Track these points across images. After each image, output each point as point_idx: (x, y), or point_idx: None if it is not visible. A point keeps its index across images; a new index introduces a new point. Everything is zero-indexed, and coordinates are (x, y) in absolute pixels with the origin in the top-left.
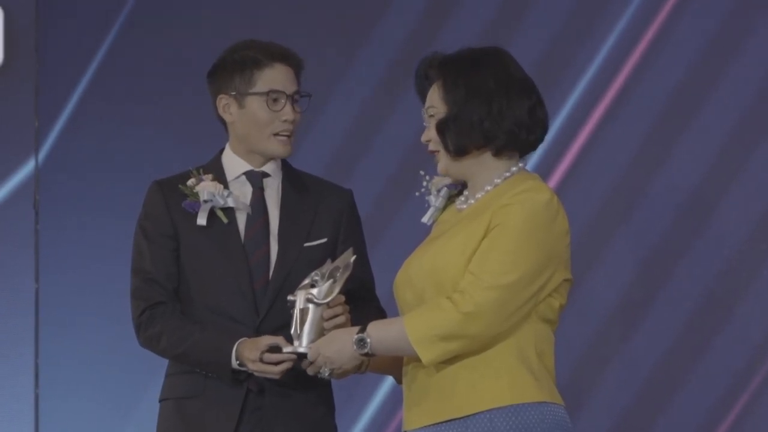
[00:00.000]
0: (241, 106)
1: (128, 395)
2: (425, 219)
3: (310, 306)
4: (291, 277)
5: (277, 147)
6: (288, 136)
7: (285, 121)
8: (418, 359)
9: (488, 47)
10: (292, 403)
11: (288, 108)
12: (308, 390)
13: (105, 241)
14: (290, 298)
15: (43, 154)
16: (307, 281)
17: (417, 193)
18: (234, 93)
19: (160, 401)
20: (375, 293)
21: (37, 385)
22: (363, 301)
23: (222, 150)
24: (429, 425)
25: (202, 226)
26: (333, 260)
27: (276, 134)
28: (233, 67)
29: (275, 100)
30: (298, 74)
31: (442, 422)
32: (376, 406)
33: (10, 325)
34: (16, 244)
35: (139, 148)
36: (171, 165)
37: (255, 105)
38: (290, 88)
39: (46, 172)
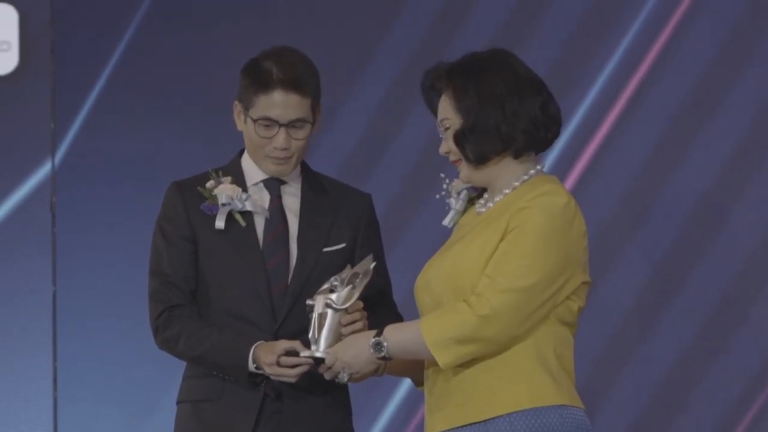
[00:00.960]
0: (245, 120)
1: (146, 398)
2: (446, 222)
3: (329, 311)
4: (310, 282)
5: (271, 167)
6: (283, 159)
7: (276, 148)
8: (437, 363)
9: (491, 50)
10: (309, 408)
11: (280, 137)
12: (326, 394)
13: (122, 243)
14: (309, 302)
15: (59, 156)
16: (326, 286)
17: (437, 196)
18: (242, 105)
19: (177, 403)
20: (392, 298)
21: (55, 388)
22: (380, 306)
23: (242, 151)
24: (449, 429)
25: (220, 229)
26: (353, 266)
27: (269, 156)
28: (246, 80)
29: (266, 127)
30: (305, 98)
31: (462, 426)
32: (393, 409)
33: (28, 328)
34: (33, 246)
35: (156, 150)
36: (188, 166)
37: (250, 126)
38: (286, 116)
39: (62, 175)
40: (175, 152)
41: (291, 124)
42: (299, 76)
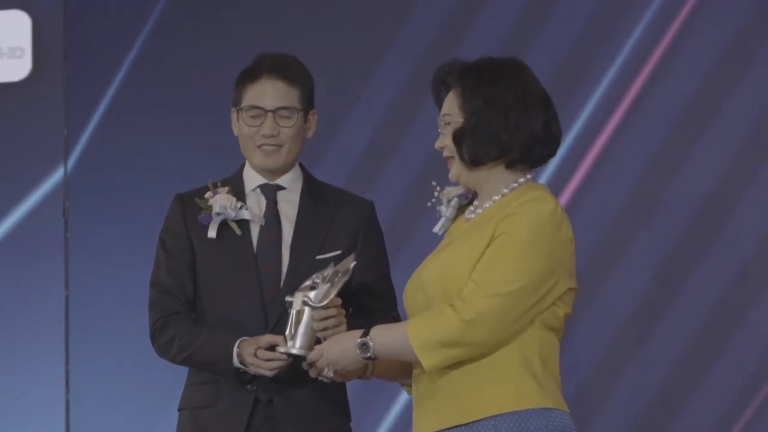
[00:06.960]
0: (237, 120)
1: (158, 402)
2: (436, 229)
3: (306, 309)
4: None
5: (260, 158)
6: (273, 148)
7: (264, 135)
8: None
9: (508, 59)
10: (303, 413)
11: (267, 123)
12: (321, 399)
13: (134, 247)
14: (288, 299)
15: (72, 161)
16: (308, 283)
17: (428, 204)
18: (234, 108)
19: (178, 411)
20: (396, 309)
21: (67, 392)
22: (383, 313)
23: (244, 163)
24: (436, 431)
25: (213, 239)
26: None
27: (260, 146)
28: (235, 84)
29: (255, 116)
30: (291, 87)
31: (447, 428)
32: (395, 416)
33: (41, 332)
34: (46, 251)
35: (167, 156)
36: (200, 172)
37: (242, 119)
38: (272, 103)
39: (75, 180)
40: (187, 158)
41: (278, 112)
42: (285, 64)
